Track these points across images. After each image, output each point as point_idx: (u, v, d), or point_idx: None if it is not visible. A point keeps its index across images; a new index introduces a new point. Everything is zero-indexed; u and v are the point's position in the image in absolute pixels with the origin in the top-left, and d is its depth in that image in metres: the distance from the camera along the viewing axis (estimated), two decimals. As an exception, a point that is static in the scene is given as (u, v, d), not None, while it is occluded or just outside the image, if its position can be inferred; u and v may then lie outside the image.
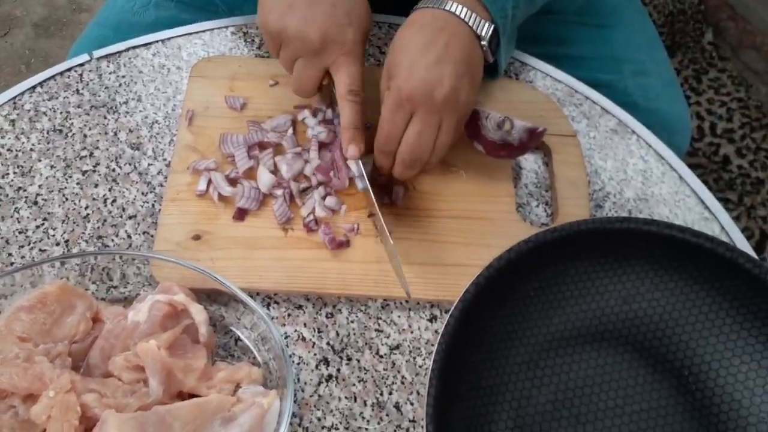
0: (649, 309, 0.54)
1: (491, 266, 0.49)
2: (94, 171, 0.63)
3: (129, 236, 0.59)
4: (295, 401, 0.52)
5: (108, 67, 0.69)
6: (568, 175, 0.63)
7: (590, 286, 0.54)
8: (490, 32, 0.57)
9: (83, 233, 0.59)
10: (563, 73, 0.72)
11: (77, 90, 0.67)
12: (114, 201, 0.61)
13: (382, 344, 0.56)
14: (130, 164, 0.63)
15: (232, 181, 0.61)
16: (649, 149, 0.68)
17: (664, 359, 0.53)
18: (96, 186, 0.62)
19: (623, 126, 0.69)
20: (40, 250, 0.58)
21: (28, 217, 0.60)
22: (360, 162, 0.59)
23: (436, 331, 0.57)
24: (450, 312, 0.48)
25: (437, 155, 0.57)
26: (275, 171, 0.62)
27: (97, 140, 0.64)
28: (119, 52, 0.70)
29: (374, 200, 0.57)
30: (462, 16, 0.56)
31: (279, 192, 0.60)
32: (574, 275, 0.54)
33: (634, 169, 0.66)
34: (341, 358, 0.55)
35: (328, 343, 0.56)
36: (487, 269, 0.49)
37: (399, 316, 0.57)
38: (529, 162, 0.66)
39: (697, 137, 1.42)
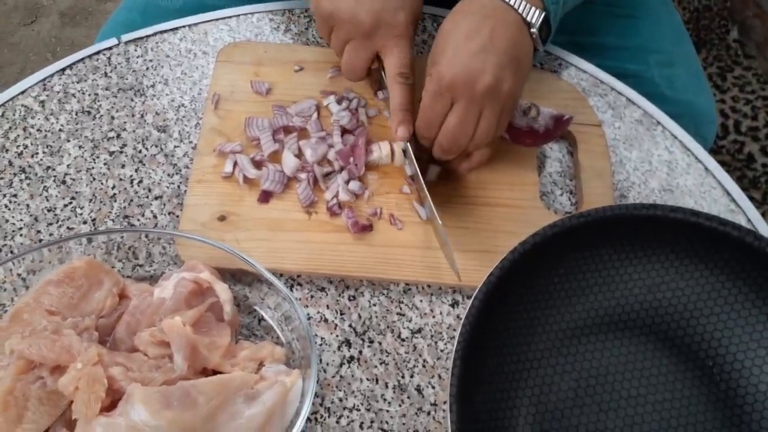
0: (673, 298, 0.54)
1: (516, 250, 0.49)
2: (121, 152, 0.63)
3: (155, 216, 0.60)
4: (317, 381, 0.52)
5: (136, 51, 0.70)
6: (592, 165, 0.63)
7: (614, 274, 0.54)
8: (541, 19, 0.55)
9: (110, 212, 0.60)
10: (588, 64, 0.71)
11: (105, 73, 0.68)
12: (140, 182, 0.62)
13: (404, 328, 0.56)
14: (156, 146, 0.64)
15: (257, 164, 0.61)
16: (675, 140, 0.67)
17: (688, 349, 0.53)
18: (123, 167, 0.62)
19: (648, 117, 0.68)
20: (68, 228, 0.59)
21: (56, 196, 0.61)
22: (409, 145, 0.59)
23: (457, 317, 0.57)
24: (474, 295, 0.48)
25: (476, 143, 0.56)
26: (299, 155, 0.62)
27: (125, 122, 0.65)
28: (147, 37, 0.70)
29: (424, 185, 0.57)
30: (510, 2, 0.54)
31: (303, 175, 0.60)
32: (599, 262, 0.54)
33: (659, 160, 0.66)
34: (363, 340, 0.55)
35: (350, 326, 0.56)
36: (511, 253, 0.49)
37: (421, 301, 0.57)
38: (554, 151, 0.66)
39: (721, 135, 1.41)
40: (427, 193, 0.57)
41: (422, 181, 0.58)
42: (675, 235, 0.52)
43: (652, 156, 0.66)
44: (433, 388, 0.54)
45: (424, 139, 0.58)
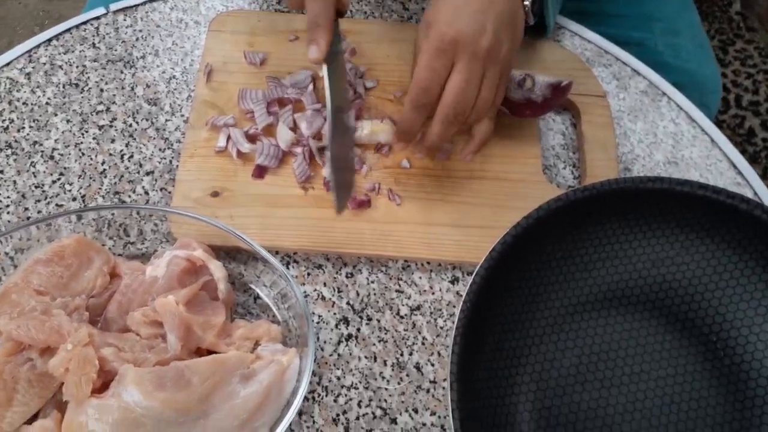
0: (678, 273, 0.52)
1: (519, 225, 0.48)
2: (111, 126, 0.61)
3: (146, 192, 0.58)
4: (314, 360, 0.51)
5: (125, 20, 0.67)
6: (596, 137, 0.61)
7: (618, 249, 0.53)
8: None
9: (100, 189, 0.58)
10: (592, 33, 0.69)
11: (93, 44, 0.66)
12: (131, 157, 0.60)
13: (403, 305, 0.55)
14: (147, 120, 0.62)
15: (251, 138, 0.59)
16: (680, 112, 0.65)
17: (692, 324, 0.52)
18: (113, 141, 0.61)
19: (654, 88, 0.67)
20: (57, 205, 0.57)
21: (44, 172, 0.59)
22: (325, 67, 0.52)
23: (457, 293, 0.55)
24: (476, 270, 0.46)
25: (478, 112, 0.53)
26: (295, 128, 0.60)
27: (114, 95, 0.63)
28: (136, 6, 0.68)
29: (329, 96, 0.51)
30: None
31: (298, 150, 0.59)
32: (603, 237, 0.52)
33: (665, 131, 0.64)
34: (361, 318, 0.54)
35: (348, 303, 0.55)
36: (514, 228, 0.47)
37: (420, 278, 0.56)
38: (557, 123, 0.64)
39: (722, 109, 1.39)
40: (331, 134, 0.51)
41: (329, 93, 0.51)
42: (681, 208, 0.51)
43: (657, 128, 0.64)
44: (433, 365, 0.53)
45: (418, 109, 0.52)
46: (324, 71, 0.52)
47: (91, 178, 0.59)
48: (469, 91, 0.51)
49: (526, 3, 0.55)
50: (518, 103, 0.58)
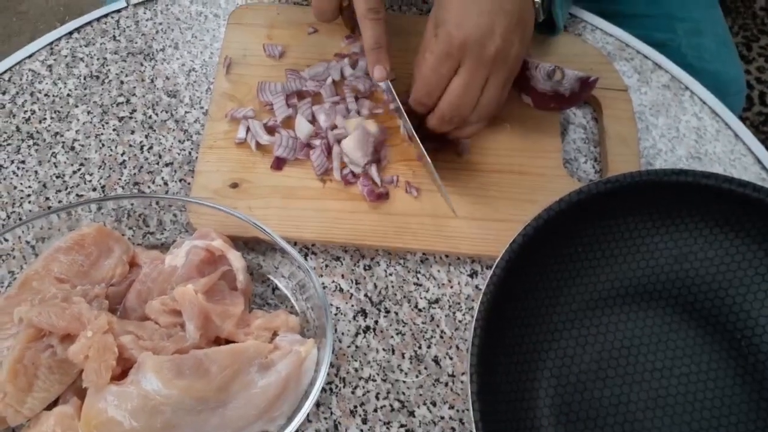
0: (701, 268, 0.52)
1: (540, 217, 0.47)
2: (131, 118, 0.62)
3: (165, 183, 0.59)
4: (332, 351, 0.51)
5: (145, 14, 0.68)
6: (618, 131, 0.60)
7: (640, 244, 0.52)
8: None
9: (119, 179, 0.59)
10: (614, 27, 0.68)
11: (114, 36, 0.66)
12: (150, 148, 0.60)
13: (421, 298, 0.54)
14: (166, 111, 0.62)
15: (270, 130, 0.59)
16: (704, 106, 0.64)
17: (716, 321, 0.51)
18: (132, 132, 0.61)
19: (676, 82, 0.66)
20: (77, 195, 0.58)
21: (65, 162, 0.59)
22: (390, 83, 0.56)
23: (476, 287, 0.55)
24: (496, 263, 0.46)
25: (479, 113, 0.54)
26: (313, 120, 0.60)
27: (134, 87, 0.63)
28: (156, -1, 0.68)
29: (408, 120, 0.55)
30: None
31: (317, 142, 0.59)
32: (625, 231, 0.52)
33: (687, 126, 0.63)
34: (379, 310, 0.54)
35: (365, 295, 0.54)
36: (535, 220, 0.47)
37: (438, 271, 0.56)
38: (578, 117, 0.63)
39: (746, 107, 1.37)
40: (413, 131, 0.54)
41: (406, 117, 0.55)
42: (705, 202, 0.50)
43: (680, 122, 0.63)
44: (451, 359, 0.52)
45: (421, 106, 0.55)
46: (390, 85, 0.56)
47: (111, 168, 0.59)
48: (469, 96, 0.52)
49: (537, 0, 0.55)
50: (544, 95, 0.57)
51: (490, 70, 0.52)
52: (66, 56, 0.65)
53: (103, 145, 0.60)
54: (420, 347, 0.52)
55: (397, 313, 0.54)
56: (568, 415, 0.49)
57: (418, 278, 0.55)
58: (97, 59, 0.65)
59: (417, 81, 0.54)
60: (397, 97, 0.56)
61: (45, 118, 0.61)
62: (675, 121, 0.63)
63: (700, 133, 0.63)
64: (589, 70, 0.62)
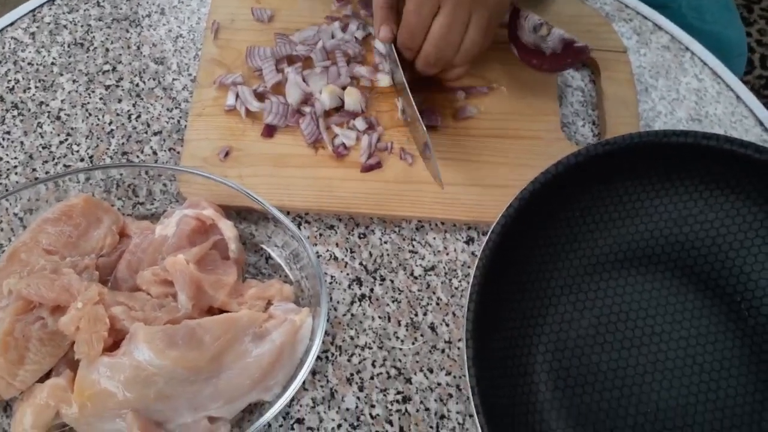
0: (701, 231, 0.51)
1: (537, 180, 0.46)
2: (118, 86, 0.60)
3: (154, 152, 0.57)
4: (327, 320, 0.50)
5: (129, -22, 0.65)
6: (617, 93, 0.59)
7: (639, 207, 0.51)
8: None
9: (108, 149, 0.57)
10: (612, -14, 0.66)
11: (98, 2, 0.64)
12: (138, 117, 0.59)
13: (417, 265, 0.54)
14: (154, 79, 0.60)
15: (260, 96, 0.58)
16: (704, 67, 0.63)
17: (716, 284, 0.50)
18: (120, 101, 0.59)
19: (676, 43, 0.64)
20: (65, 165, 0.56)
21: (51, 132, 0.58)
22: (393, 46, 0.55)
23: (472, 254, 0.54)
24: (492, 228, 0.45)
25: (463, 56, 0.54)
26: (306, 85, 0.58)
27: (120, 54, 0.61)
28: (140, -37, 0.66)
29: (408, 90, 0.53)
30: None
31: (307, 109, 0.57)
32: (623, 194, 0.51)
33: (688, 88, 0.62)
34: (374, 278, 0.53)
35: (360, 264, 0.54)
36: (532, 183, 0.46)
37: (434, 238, 0.55)
38: (576, 79, 0.62)
39: (746, 70, 1.35)
40: (410, 95, 0.53)
41: (406, 84, 0.54)
42: (706, 163, 0.49)
43: (680, 84, 0.62)
44: (447, 325, 0.52)
45: (408, 51, 0.54)
46: (393, 49, 0.55)
47: (98, 138, 0.58)
48: (451, 37, 0.52)
49: None
50: (526, 47, 0.56)
51: (470, 8, 0.51)
52: (49, 23, 0.63)
53: (90, 114, 0.59)
54: (416, 314, 0.52)
55: (392, 281, 0.53)
56: (566, 380, 0.49)
57: (413, 246, 0.54)
58: (81, 26, 0.63)
59: (401, 24, 0.53)
60: (399, 64, 0.54)
61: (29, 88, 0.60)
62: (675, 83, 0.62)
63: (701, 95, 0.61)
64: (587, 31, 0.61)
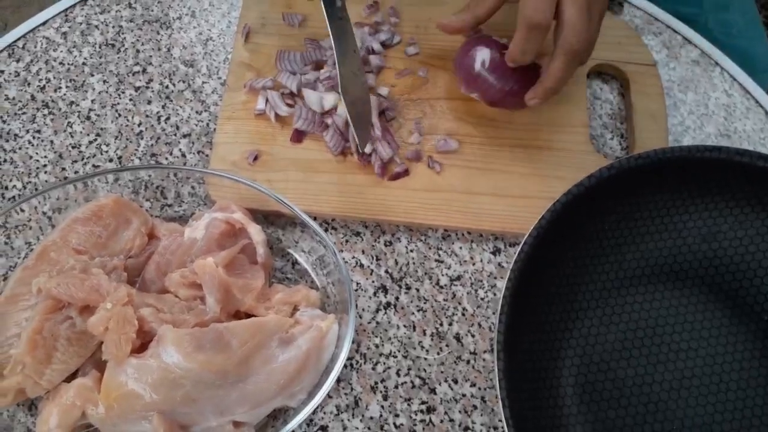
0: (730, 248, 0.50)
1: (569, 193, 0.46)
2: (147, 87, 0.60)
3: (183, 155, 0.58)
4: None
5: (160, -19, 0.66)
6: (646, 107, 0.59)
7: (668, 222, 0.51)
8: None
9: (136, 150, 0.57)
10: (642, 0, 0.66)
11: (129, 4, 0.64)
12: (168, 119, 0.59)
13: (443, 275, 0.53)
14: (183, 81, 0.61)
15: (290, 96, 0.58)
16: (734, 83, 0.63)
17: (744, 302, 0.50)
18: (149, 103, 0.60)
19: (706, 57, 0.64)
20: (94, 165, 0.57)
21: (81, 132, 0.58)
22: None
23: (499, 264, 0.54)
24: (524, 240, 0.45)
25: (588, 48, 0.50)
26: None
27: (150, 56, 0.62)
28: (172, -34, 0.67)
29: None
30: None
31: (329, 120, 0.57)
32: (653, 209, 0.50)
33: (717, 103, 0.62)
34: (400, 286, 0.53)
35: (386, 271, 0.53)
36: (565, 196, 0.46)
37: (460, 248, 0.55)
38: (605, 92, 0.62)
39: None
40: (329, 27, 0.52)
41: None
42: (737, 180, 0.48)
43: (709, 99, 0.62)
44: (473, 336, 0.51)
45: (534, 29, 0.47)
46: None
47: (127, 139, 0.58)
48: (589, 23, 0.48)
49: None
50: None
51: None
52: (81, 23, 0.63)
53: (120, 115, 0.59)
54: (441, 324, 0.52)
55: (418, 290, 0.53)
56: (591, 394, 0.48)
57: (439, 255, 0.54)
58: (113, 27, 0.63)
59: (564, 28, 0.48)
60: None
61: (60, 87, 0.60)
62: (704, 98, 0.62)
63: (730, 111, 0.61)
64: (616, 44, 0.61)
